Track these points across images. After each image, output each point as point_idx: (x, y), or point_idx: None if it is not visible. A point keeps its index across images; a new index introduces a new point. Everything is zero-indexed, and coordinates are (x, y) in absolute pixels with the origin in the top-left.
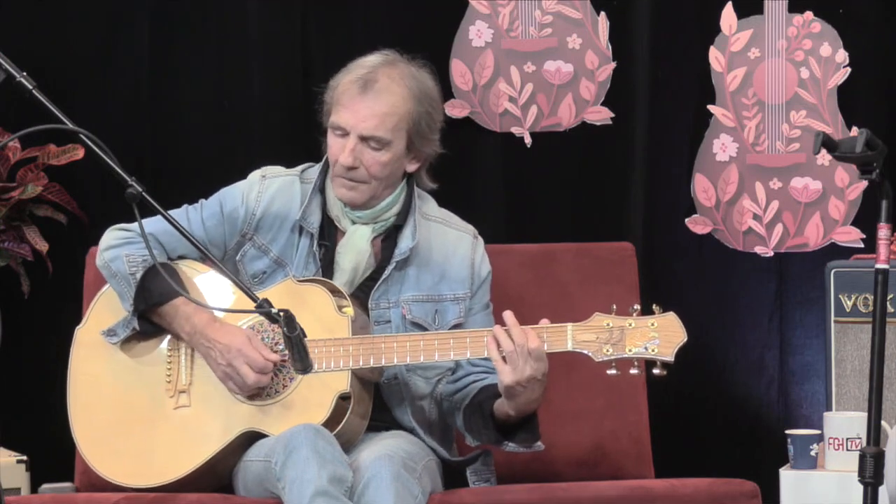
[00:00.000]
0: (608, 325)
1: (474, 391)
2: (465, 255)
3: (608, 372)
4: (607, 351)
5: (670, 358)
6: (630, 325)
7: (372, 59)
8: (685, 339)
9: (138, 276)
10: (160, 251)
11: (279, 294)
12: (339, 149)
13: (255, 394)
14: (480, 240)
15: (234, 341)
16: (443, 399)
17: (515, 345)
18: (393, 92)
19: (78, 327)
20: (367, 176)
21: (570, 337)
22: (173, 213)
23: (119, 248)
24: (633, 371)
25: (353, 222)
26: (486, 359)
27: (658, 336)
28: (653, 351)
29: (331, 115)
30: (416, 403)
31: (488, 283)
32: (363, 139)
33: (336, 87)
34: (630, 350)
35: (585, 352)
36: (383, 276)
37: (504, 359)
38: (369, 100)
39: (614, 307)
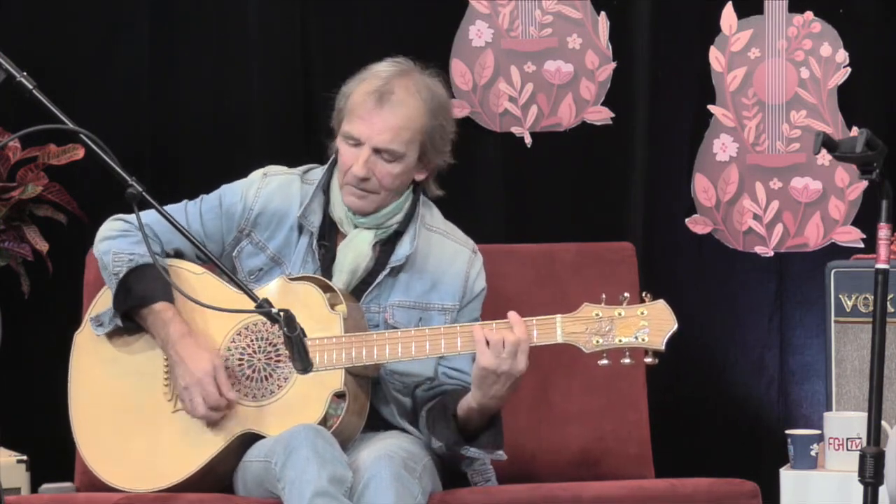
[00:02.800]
0: (597, 315)
1: (441, 394)
2: (460, 268)
3: (599, 363)
4: (597, 342)
5: (661, 346)
6: (619, 314)
7: (387, 69)
8: (676, 327)
9: (121, 275)
10: (157, 243)
11: (271, 292)
12: (351, 158)
13: (252, 393)
14: (479, 255)
15: (199, 368)
16: (417, 406)
17: (505, 339)
18: (408, 105)
19: (76, 333)
20: (377, 186)
21: (560, 328)
22: (171, 208)
23: (112, 241)
24: (625, 361)
25: (356, 226)
26: (461, 370)
27: (648, 325)
28: (643, 340)
29: (343, 124)
30: (399, 402)
31: (480, 299)
32: (376, 151)
33: (349, 95)
34: (620, 340)
35: (576, 343)
36: (376, 281)
37: (488, 343)
38: (385, 112)
39: (604, 297)
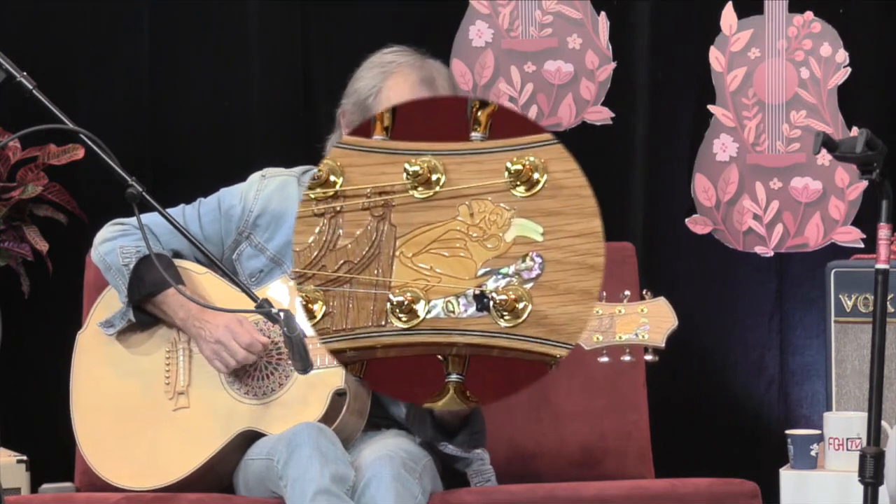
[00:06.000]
0: (598, 312)
1: None
2: None
3: (599, 360)
4: (597, 339)
5: (661, 343)
6: (620, 311)
7: (404, 58)
8: (676, 324)
9: (132, 266)
10: (155, 243)
11: (272, 291)
12: None
13: (253, 392)
14: None
15: (222, 319)
16: None
17: None
18: (445, 83)
19: (79, 333)
20: None
21: None
22: (169, 211)
23: (114, 241)
24: (626, 358)
25: None
26: None
27: (648, 322)
28: (643, 337)
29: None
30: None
31: None
32: None
33: (379, 91)
34: (620, 337)
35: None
36: None
37: None
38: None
39: (604, 294)
